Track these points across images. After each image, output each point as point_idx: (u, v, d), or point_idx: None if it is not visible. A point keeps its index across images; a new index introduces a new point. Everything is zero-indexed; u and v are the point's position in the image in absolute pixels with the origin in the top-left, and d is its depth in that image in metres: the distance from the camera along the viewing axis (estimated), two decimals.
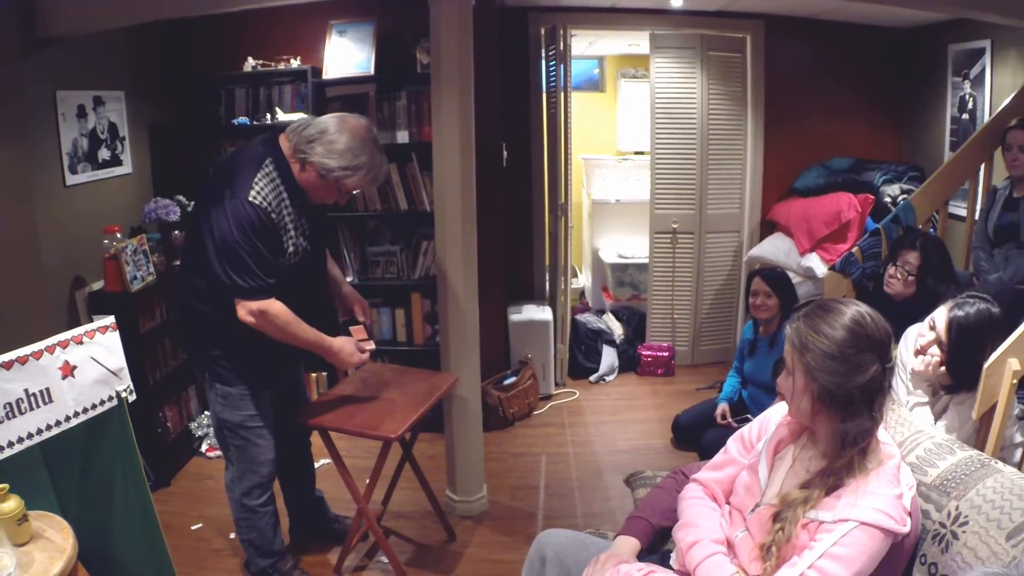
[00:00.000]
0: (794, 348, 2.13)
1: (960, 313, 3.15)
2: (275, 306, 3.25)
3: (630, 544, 2.45)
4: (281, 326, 3.29)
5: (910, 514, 2.04)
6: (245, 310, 3.21)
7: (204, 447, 5.22)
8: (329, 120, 3.30)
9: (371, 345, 3.68)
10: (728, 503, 2.41)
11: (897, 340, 3.56)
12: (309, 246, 3.45)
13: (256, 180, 3.17)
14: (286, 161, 3.29)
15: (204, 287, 3.29)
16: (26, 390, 2.36)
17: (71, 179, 4.61)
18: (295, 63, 5.52)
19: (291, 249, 3.34)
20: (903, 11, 5.65)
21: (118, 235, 4.56)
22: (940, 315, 3.22)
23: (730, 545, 2.29)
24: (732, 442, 2.53)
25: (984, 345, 3.13)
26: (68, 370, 2.49)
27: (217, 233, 3.13)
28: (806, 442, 2.25)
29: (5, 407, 2.31)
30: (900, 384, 3.47)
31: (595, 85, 9.25)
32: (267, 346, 3.35)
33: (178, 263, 4.74)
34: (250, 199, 3.13)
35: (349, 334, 3.66)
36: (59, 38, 4.26)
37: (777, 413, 2.41)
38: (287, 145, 3.30)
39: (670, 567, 2.35)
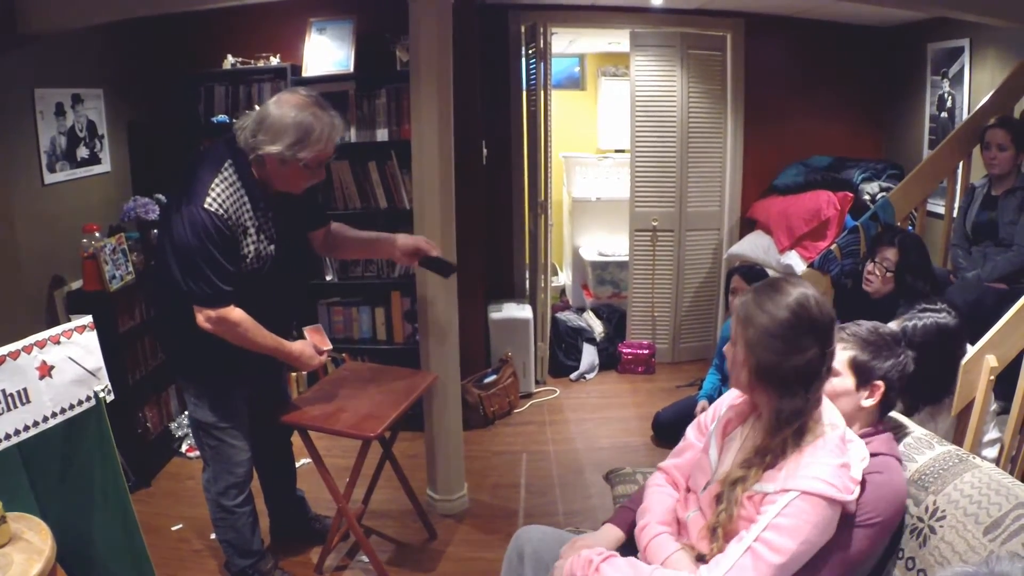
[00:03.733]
0: (738, 320, 2.16)
1: (908, 326, 3.18)
2: (235, 314, 3.22)
3: (612, 534, 2.50)
4: (241, 334, 3.26)
5: (861, 485, 2.07)
6: (203, 317, 3.18)
7: (184, 447, 5.20)
8: (266, 106, 3.23)
9: (328, 345, 3.69)
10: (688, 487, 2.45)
11: None
12: (276, 251, 3.40)
13: (214, 186, 3.13)
14: (247, 162, 3.24)
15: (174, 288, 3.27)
16: (3, 391, 2.35)
17: (49, 178, 4.57)
18: (275, 61, 5.50)
19: (252, 255, 3.29)
20: (883, 10, 5.68)
21: (97, 234, 4.53)
22: (894, 327, 3.26)
23: (684, 526, 2.32)
24: (690, 428, 2.61)
25: (931, 358, 3.15)
26: (45, 370, 2.48)
27: (176, 240, 3.11)
28: (754, 422, 2.27)
29: None
30: None
31: (576, 83, 9.25)
32: (239, 348, 3.34)
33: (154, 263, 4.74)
34: (205, 206, 3.09)
35: (304, 336, 3.67)
36: (38, 35, 4.24)
37: (729, 397, 2.46)
38: (243, 147, 3.25)
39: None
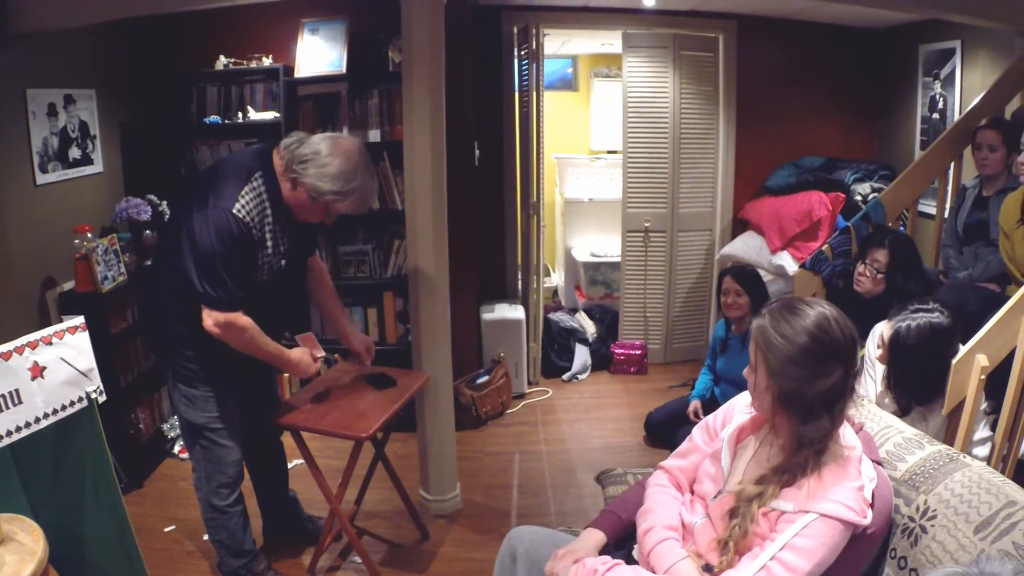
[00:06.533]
0: (758, 346, 2.13)
1: (902, 327, 3.18)
2: (242, 319, 3.24)
3: (594, 538, 2.46)
4: (247, 339, 3.29)
5: (871, 506, 2.05)
6: (212, 320, 3.19)
7: (177, 448, 5.18)
8: (322, 141, 3.28)
9: (320, 352, 3.71)
10: (692, 491, 2.43)
11: (865, 337, 3.60)
12: (285, 266, 3.45)
13: (243, 192, 3.17)
14: (276, 178, 3.28)
15: (178, 288, 3.27)
16: None
17: (41, 178, 4.57)
18: (267, 61, 5.50)
19: (265, 266, 3.33)
20: (874, 12, 5.69)
21: (89, 235, 4.53)
22: (887, 329, 3.26)
23: (690, 531, 2.31)
24: (697, 431, 2.56)
25: (926, 358, 3.16)
26: (37, 371, 2.47)
27: (197, 240, 3.12)
28: (768, 432, 2.26)
29: None
30: (869, 380, 3.49)
31: (568, 84, 9.27)
32: (233, 350, 3.35)
33: (149, 263, 4.72)
34: (234, 211, 3.12)
35: (296, 343, 3.69)
36: (29, 35, 4.23)
37: (742, 402, 2.43)
38: (279, 163, 3.29)
39: (636, 561, 2.36)
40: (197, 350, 3.37)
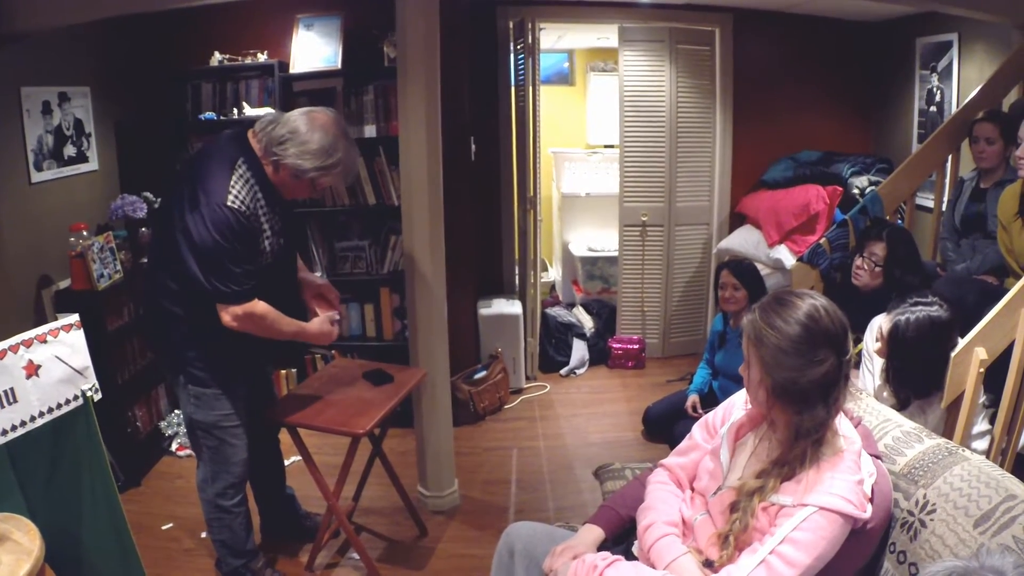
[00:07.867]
0: (750, 341, 2.14)
1: (900, 320, 3.19)
2: (259, 306, 3.24)
3: (593, 534, 2.47)
4: (268, 325, 3.30)
5: (871, 500, 2.05)
6: (230, 315, 3.19)
7: (174, 446, 5.18)
8: (298, 118, 3.25)
9: (336, 315, 3.71)
10: (692, 488, 2.43)
11: (863, 330, 3.60)
12: (283, 242, 3.44)
13: (233, 182, 3.14)
14: (258, 160, 3.26)
15: (176, 288, 3.25)
16: None
17: (36, 176, 4.55)
18: (262, 57, 5.49)
19: (268, 249, 3.32)
20: (872, 4, 5.68)
21: (84, 233, 4.52)
22: (885, 322, 3.26)
23: (690, 527, 2.31)
24: (697, 428, 2.56)
25: (924, 352, 3.16)
26: (32, 369, 2.47)
27: (197, 240, 3.09)
28: (767, 430, 2.26)
29: None
30: (867, 373, 3.49)
31: (565, 78, 9.25)
32: (242, 345, 3.34)
33: (145, 261, 4.71)
34: (228, 203, 3.10)
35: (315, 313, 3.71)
36: (23, 34, 4.21)
37: (741, 398, 2.43)
38: (257, 145, 3.27)
39: (635, 556, 2.36)
40: (202, 350, 3.36)
